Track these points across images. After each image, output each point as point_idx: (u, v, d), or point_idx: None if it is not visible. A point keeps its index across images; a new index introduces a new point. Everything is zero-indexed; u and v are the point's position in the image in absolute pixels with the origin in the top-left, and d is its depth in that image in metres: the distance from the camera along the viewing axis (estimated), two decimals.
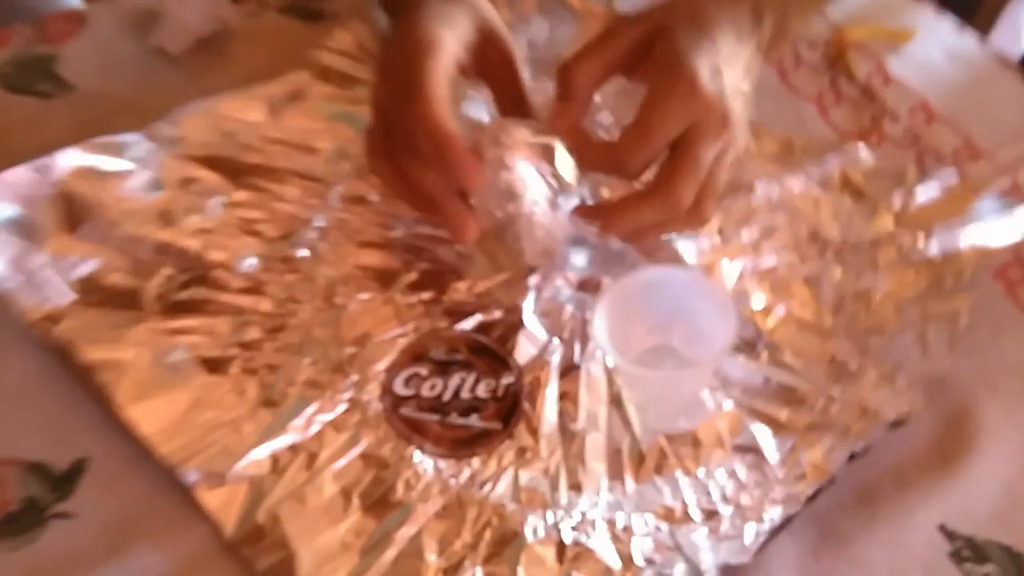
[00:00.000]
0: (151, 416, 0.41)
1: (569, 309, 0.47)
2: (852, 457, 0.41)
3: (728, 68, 0.44)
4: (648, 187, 0.44)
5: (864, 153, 0.54)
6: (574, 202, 0.46)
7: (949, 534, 0.40)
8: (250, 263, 0.47)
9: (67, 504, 0.39)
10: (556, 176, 0.45)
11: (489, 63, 0.47)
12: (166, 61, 0.58)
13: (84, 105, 0.56)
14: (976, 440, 0.43)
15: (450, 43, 0.43)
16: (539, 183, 0.44)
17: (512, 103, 0.48)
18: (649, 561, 0.38)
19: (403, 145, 0.44)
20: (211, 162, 0.50)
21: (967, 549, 0.40)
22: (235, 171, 0.50)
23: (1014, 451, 0.43)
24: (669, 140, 0.43)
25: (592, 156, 0.45)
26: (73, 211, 0.47)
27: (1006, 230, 0.49)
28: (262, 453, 0.40)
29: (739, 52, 0.45)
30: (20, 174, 0.47)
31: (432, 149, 0.42)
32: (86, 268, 0.46)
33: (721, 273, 0.48)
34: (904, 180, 0.52)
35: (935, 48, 0.64)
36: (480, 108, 0.53)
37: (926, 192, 0.51)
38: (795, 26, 0.51)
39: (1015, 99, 0.60)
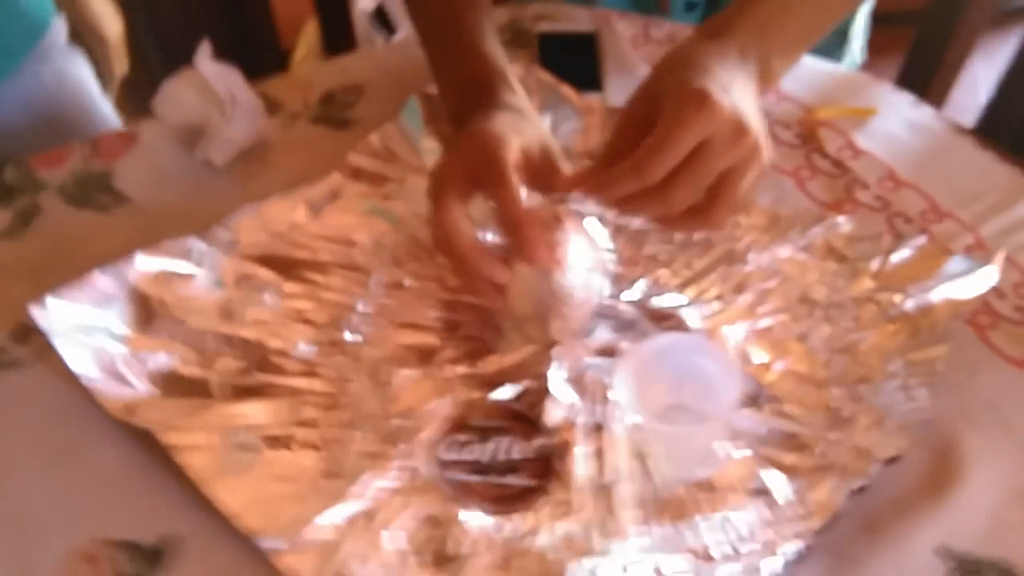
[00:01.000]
0: (227, 493, 0.46)
1: (591, 374, 0.52)
2: (854, 493, 0.46)
3: (733, 87, 0.48)
4: (658, 184, 0.47)
5: (843, 222, 0.60)
6: (602, 280, 0.53)
7: (946, 554, 0.45)
8: (304, 348, 0.53)
9: None
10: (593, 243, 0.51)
11: (540, 172, 0.52)
12: (212, 171, 0.64)
13: (141, 215, 0.62)
14: (963, 468, 0.48)
15: (516, 146, 0.50)
16: (582, 254, 0.50)
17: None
18: None
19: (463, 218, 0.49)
20: (263, 260, 0.57)
21: (964, 566, 0.45)
22: (285, 266, 0.57)
23: (997, 476, 0.48)
24: (685, 150, 0.45)
25: (614, 177, 0.47)
26: (145, 310, 0.53)
27: (973, 285, 0.55)
28: (327, 520, 0.45)
29: (735, 77, 0.49)
30: (98, 279, 0.52)
31: (510, 227, 0.48)
32: (159, 362, 0.51)
33: (723, 336, 0.54)
34: (880, 245, 0.58)
35: (896, 122, 0.71)
36: None
37: (900, 255, 0.58)
38: (778, 65, 0.54)
39: (971, 164, 0.67)
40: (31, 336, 0.54)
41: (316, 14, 1.39)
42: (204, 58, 0.63)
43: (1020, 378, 0.53)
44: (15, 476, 0.48)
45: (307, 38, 1.81)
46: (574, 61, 0.74)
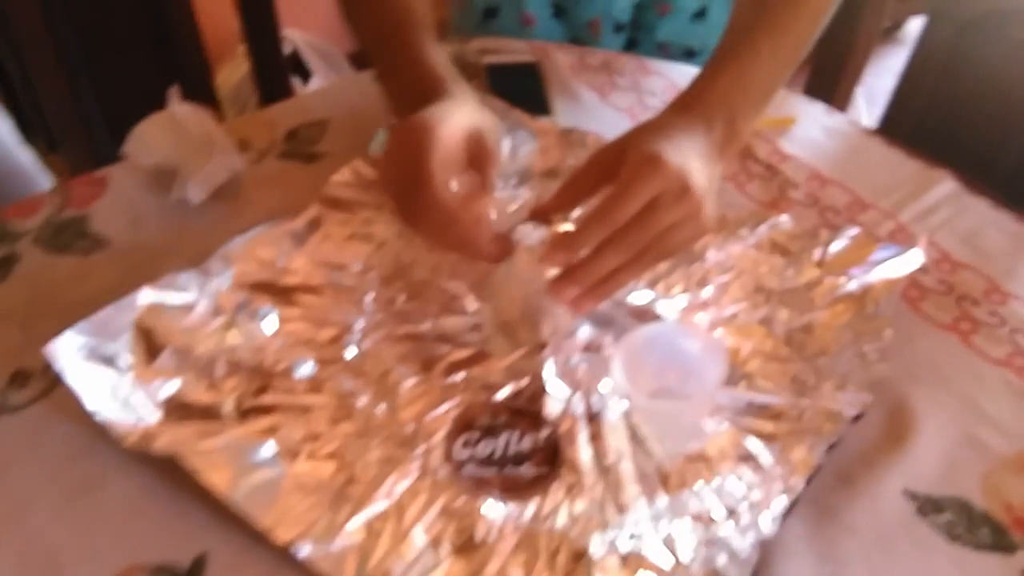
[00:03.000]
0: (256, 509, 0.47)
1: (582, 368, 0.56)
2: (830, 449, 0.52)
3: (690, 155, 0.54)
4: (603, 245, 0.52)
5: (784, 221, 0.67)
6: None
7: (911, 496, 0.51)
8: (307, 367, 0.55)
9: None
10: None
11: (473, 154, 0.57)
12: (188, 210, 0.66)
13: (122, 256, 0.63)
14: (915, 421, 0.55)
15: (440, 133, 0.54)
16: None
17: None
18: (694, 557, 0.47)
19: (424, 209, 0.53)
20: (258, 287, 0.59)
21: (927, 505, 0.51)
22: (279, 292, 0.59)
23: (945, 425, 0.55)
24: (641, 202, 0.51)
25: (585, 227, 0.52)
26: (151, 342, 0.54)
27: (902, 266, 0.63)
28: (357, 523, 0.48)
29: (696, 146, 0.55)
30: (106, 315, 0.53)
31: (441, 224, 0.53)
32: (168, 390, 0.52)
33: (697, 324, 0.59)
34: (818, 239, 0.65)
35: (814, 128, 0.79)
36: None
37: (837, 246, 0.65)
38: (743, 126, 0.60)
39: (883, 161, 0.76)
40: (29, 381, 0.55)
41: (245, 43, 1.40)
42: (176, 101, 0.65)
43: (950, 340, 0.61)
44: (38, 515, 0.48)
45: (234, 65, 1.82)
46: (521, 89, 0.79)
